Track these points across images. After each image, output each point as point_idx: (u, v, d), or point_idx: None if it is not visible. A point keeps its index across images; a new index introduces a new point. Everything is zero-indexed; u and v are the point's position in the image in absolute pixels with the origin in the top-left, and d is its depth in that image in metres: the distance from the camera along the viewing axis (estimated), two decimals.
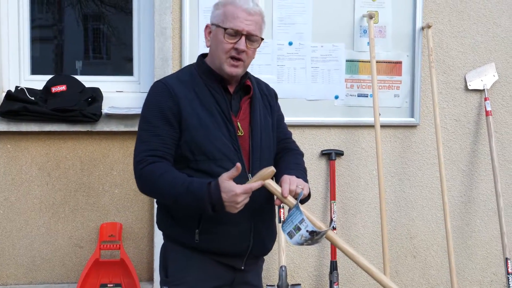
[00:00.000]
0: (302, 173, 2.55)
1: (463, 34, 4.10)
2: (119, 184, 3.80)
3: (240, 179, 2.39)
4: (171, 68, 3.73)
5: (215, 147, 2.39)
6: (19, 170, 3.74)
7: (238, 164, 2.22)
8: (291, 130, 3.85)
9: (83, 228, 3.81)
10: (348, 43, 3.98)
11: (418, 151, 4.10)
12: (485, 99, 4.09)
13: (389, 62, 4.03)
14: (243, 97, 2.55)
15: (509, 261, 3.95)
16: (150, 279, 3.82)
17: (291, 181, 2.37)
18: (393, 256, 4.11)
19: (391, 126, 4.05)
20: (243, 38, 2.41)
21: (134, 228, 3.83)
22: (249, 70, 3.75)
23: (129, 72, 4.05)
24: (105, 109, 3.73)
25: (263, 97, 2.64)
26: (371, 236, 4.07)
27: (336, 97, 3.99)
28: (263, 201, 2.45)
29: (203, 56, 2.60)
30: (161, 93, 2.44)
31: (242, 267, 2.51)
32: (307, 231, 2.26)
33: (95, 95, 3.79)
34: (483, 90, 4.11)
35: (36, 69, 7.65)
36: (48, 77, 3.82)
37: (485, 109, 4.08)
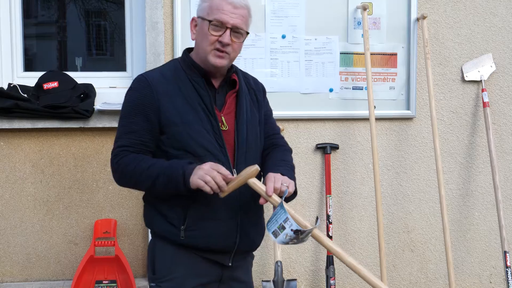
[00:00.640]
0: (289, 170, 2.53)
1: (459, 25, 4.06)
2: (113, 180, 3.77)
3: None
4: (163, 63, 3.70)
5: (197, 143, 2.38)
6: (12, 168, 3.74)
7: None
8: (285, 124, 3.90)
9: (78, 225, 3.81)
10: (342, 35, 3.96)
11: (415, 144, 4.07)
12: (483, 90, 4.05)
13: (384, 54, 4.00)
14: (228, 92, 2.53)
15: (507, 254, 3.92)
16: (145, 275, 3.80)
17: (275, 179, 2.35)
18: (391, 250, 4.08)
19: (387, 118, 4.02)
20: (228, 31, 2.40)
21: (129, 225, 3.82)
22: (242, 64, 3.82)
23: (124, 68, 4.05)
24: (98, 105, 3.72)
25: (250, 92, 2.62)
26: (367, 230, 4.05)
27: (331, 90, 3.97)
28: (249, 197, 2.43)
29: (188, 50, 2.59)
30: (141, 88, 2.44)
31: (230, 264, 2.50)
32: (291, 230, 2.25)
33: (88, 91, 3.78)
34: (480, 81, 4.07)
35: (37, 66, 7.68)
36: (41, 73, 3.80)
37: (483, 100, 4.05)
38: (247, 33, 2.50)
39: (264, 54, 3.89)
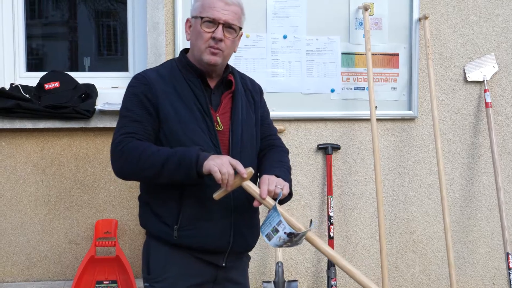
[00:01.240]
0: (284, 171, 2.52)
1: (461, 25, 4.03)
2: (114, 180, 3.78)
3: None
4: None
5: (191, 141, 2.38)
6: (14, 168, 3.74)
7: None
8: (286, 124, 3.89)
9: (79, 225, 3.80)
10: (343, 35, 3.94)
11: (417, 145, 4.05)
12: (485, 91, 4.02)
13: (385, 54, 3.98)
14: (224, 92, 2.53)
15: (510, 256, 3.88)
16: None
17: (270, 181, 2.35)
18: (393, 251, 4.06)
19: (388, 119, 4.00)
20: (220, 26, 2.42)
21: (130, 225, 3.81)
22: (244, 64, 3.81)
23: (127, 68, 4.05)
24: (99, 105, 3.72)
25: (247, 92, 2.62)
26: (369, 231, 4.03)
27: (332, 91, 3.95)
28: (244, 197, 2.42)
29: (185, 51, 2.59)
30: (140, 85, 2.45)
31: (223, 264, 2.49)
32: (285, 233, 2.25)
33: (89, 92, 3.78)
34: (483, 81, 4.04)
35: (47, 66, 7.68)
36: (43, 73, 3.81)
37: (485, 101, 4.02)
38: (240, 28, 2.50)
39: (265, 54, 3.88)
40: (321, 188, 3.98)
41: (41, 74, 3.79)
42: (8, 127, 3.65)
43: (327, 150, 3.94)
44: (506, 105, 4.11)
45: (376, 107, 3.87)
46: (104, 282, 3.70)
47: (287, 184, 2.41)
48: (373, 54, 3.89)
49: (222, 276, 2.53)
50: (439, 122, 3.95)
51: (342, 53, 3.95)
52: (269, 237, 2.28)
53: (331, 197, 3.91)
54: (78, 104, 3.66)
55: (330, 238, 3.88)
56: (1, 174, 3.73)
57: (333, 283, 3.85)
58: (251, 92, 2.63)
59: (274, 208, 2.28)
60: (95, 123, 3.69)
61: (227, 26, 2.43)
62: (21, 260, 3.78)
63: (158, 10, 3.73)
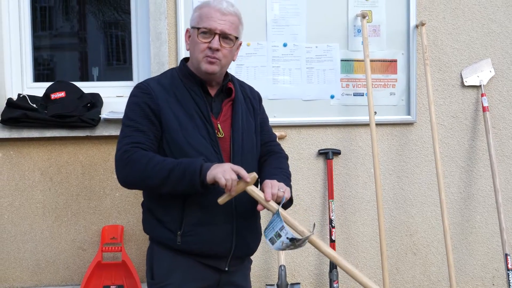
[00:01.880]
0: (284, 178, 2.50)
1: (457, 31, 4.00)
2: (120, 187, 3.66)
3: None
4: None
5: (194, 149, 2.37)
6: (22, 176, 3.73)
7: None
8: (287, 130, 3.87)
9: (86, 231, 3.79)
10: (342, 43, 3.92)
11: (416, 149, 4.02)
12: (482, 95, 3.99)
13: (384, 61, 3.95)
14: (224, 100, 2.52)
15: (509, 257, 3.85)
16: None
17: (272, 185, 2.34)
18: (393, 253, 4.03)
19: (388, 124, 3.97)
20: (217, 37, 2.41)
21: (135, 230, 3.79)
22: (245, 72, 3.80)
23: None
24: (104, 114, 3.71)
25: (246, 100, 2.60)
26: (370, 234, 4.00)
27: (332, 97, 3.93)
28: (245, 202, 2.41)
29: (186, 60, 2.58)
30: (142, 94, 2.44)
31: (226, 268, 2.48)
32: (287, 238, 2.24)
33: (94, 101, 3.77)
34: (480, 86, 4.01)
35: (59, 76, 7.69)
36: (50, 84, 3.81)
37: (482, 105, 3.99)
38: (236, 38, 2.48)
39: (266, 62, 3.86)
40: (322, 193, 3.95)
41: (48, 84, 3.79)
42: (16, 136, 3.64)
43: (327, 155, 3.92)
44: (503, 108, 4.08)
45: (375, 113, 3.84)
46: (111, 286, 3.68)
47: (288, 189, 2.40)
48: (371, 61, 3.87)
49: (225, 280, 2.52)
50: (437, 126, 3.93)
51: (341, 60, 3.92)
52: (272, 241, 2.27)
53: (332, 201, 3.88)
54: (84, 113, 3.66)
55: (332, 241, 3.85)
56: (9, 182, 3.72)
57: (335, 285, 3.83)
58: (250, 100, 2.62)
59: (277, 213, 2.28)
60: (101, 131, 3.68)
61: (224, 36, 2.42)
62: (30, 265, 3.77)
63: (161, 21, 3.72)
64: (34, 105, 3.67)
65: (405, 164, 4.02)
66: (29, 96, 3.74)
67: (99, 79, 7.51)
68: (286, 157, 2.70)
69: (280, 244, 2.25)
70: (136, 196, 3.75)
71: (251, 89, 2.70)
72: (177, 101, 2.42)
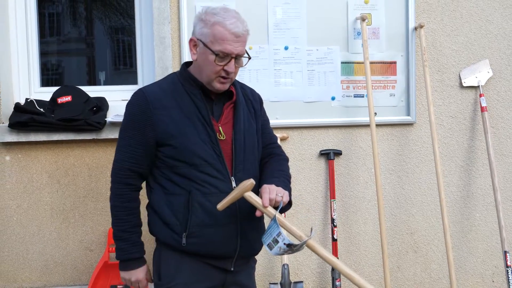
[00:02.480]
0: (284, 180, 2.48)
1: (456, 33, 3.97)
2: None
3: (223, 183, 2.34)
4: None
5: (194, 153, 2.34)
6: (30, 178, 3.71)
7: None
8: (290, 132, 3.84)
9: (93, 232, 3.77)
10: (342, 45, 3.88)
11: (416, 149, 3.98)
12: (480, 95, 3.95)
13: (383, 63, 3.91)
14: (226, 102, 2.48)
15: (508, 254, 3.81)
16: None
17: (270, 190, 2.31)
18: (395, 252, 3.99)
19: (388, 124, 3.94)
20: (233, 60, 2.35)
21: (142, 231, 3.75)
22: (247, 75, 3.77)
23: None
24: (109, 117, 3.69)
25: (247, 102, 2.57)
26: (372, 232, 3.96)
27: (333, 98, 3.89)
28: (249, 205, 2.36)
29: (186, 64, 2.54)
30: (138, 104, 2.42)
31: (232, 269, 2.45)
32: (284, 243, 2.23)
33: (100, 104, 3.75)
34: (478, 86, 3.97)
35: (67, 81, 7.67)
36: (56, 88, 3.78)
37: (480, 105, 3.95)
38: (247, 53, 2.44)
39: (268, 65, 3.83)
40: (324, 192, 3.91)
41: (54, 89, 3.77)
42: (24, 140, 3.62)
43: (329, 155, 3.88)
44: (501, 108, 4.04)
45: (376, 113, 3.81)
46: (118, 286, 3.65)
47: (286, 193, 2.37)
48: (371, 63, 3.84)
49: (230, 280, 2.50)
50: (436, 127, 3.90)
51: (341, 62, 3.89)
52: (270, 247, 2.26)
53: (334, 200, 3.85)
54: (90, 116, 3.63)
55: (334, 240, 3.82)
56: (18, 185, 3.70)
57: (337, 283, 3.79)
58: (251, 102, 2.58)
59: (274, 220, 2.26)
60: (106, 134, 3.65)
61: (238, 57, 2.38)
62: (39, 266, 3.75)
63: (164, 25, 3.69)
64: (41, 109, 3.65)
65: (405, 163, 3.98)
66: (36, 100, 3.72)
67: (106, 83, 7.49)
68: (287, 159, 2.68)
69: (277, 249, 2.24)
70: (142, 198, 3.68)
71: (252, 91, 2.66)
72: (178, 106, 2.39)
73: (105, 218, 3.76)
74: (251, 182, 2.27)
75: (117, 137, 3.54)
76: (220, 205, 2.29)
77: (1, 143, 3.65)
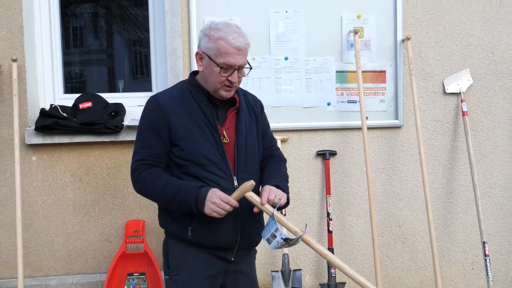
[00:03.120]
0: (282, 181, 2.44)
1: (439, 44, 3.87)
2: None
3: (226, 182, 2.28)
4: None
5: (201, 154, 2.28)
6: (54, 177, 3.62)
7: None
8: (289, 134, 3.76)
9: (111, 225, 3.68)
10: (337, 56, 3.78)
11: (403, 149, 3.88)
12: (462, 101, 3.86)
13: (374, 72, 3.82)
14: (229, 108, 2.41)
15: (486, 244, 3.73)
16: None
17: (270, 191, 2.28)
18: (384, 242, 3.90)
19: (378, 128, 3.84)
20: (235, 71, 2.30)
21: (156, 224, 3.67)
22: (251, 83, 3.68)
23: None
24: (126, 121, 3.60)
25: (249, 108, 2.50)
26: (363, 225, 3.86)
27: (328, 104, 3.79)
28: (250, 201, 2.30)
29: (194, 73, 2.46)
30: (153, 110, 2.36)
31: (232, 259, 2.40)
32: (281, 238, 2.21)
33: (118, 110, 3.66)
34: (460, 93, 3.88)
35: (90, 88, 7.61)
36: (78, 95, 3.69)
37: (462, 110, 3.85)
38: (249, 64, 2.38)
39: (269, 73, 3.73)
40: (321, 189, 3.82)
41: (76, 95, 3.68)
42: (49, 142, 3.54)
43: (325, 155, 3.79)
44: (481, 113, 3.94)
45: (367, 118, 3.73)
46: (134, 274, 3.58)
47: (285, 195, 2.33)
48: (363, 72, 3.75)
49: (232, 268, 2.44)
50: (422, 129, 3.82)
51: (336, 71, 3.79)
52: (269, 241, 2.24)
53: (329, 196, 3.76)
54: (108, 120, 3.55)
55: (329, 232, 3.73)
56: (43, 183, 3.61)
57: (332, 271, 3.71)
58: (253, 108, 2.52)
59: (272, 216, 2.23)
60: (123, 137, 3.57)
61: (240, 68, 2.32)
62: (62, 256, 3.66)
63: (176, 38, 3.60)
64: (65, 114, 3.56)
65: (394, 163, 3.88)
66: (60, 106, 3.63)
67: (125, 90, 7.41)
68: (285, 161, 2.62)
69: (275, 243, 2.22)
70: None
71: (253, 97, 2.59)
72: (186, 111, 2.34)
73: (122, 212, 3.67)
74: (251, 183, 2.22)
75: (133, 139, 3.46)
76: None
77: (28, 145, 3.56)
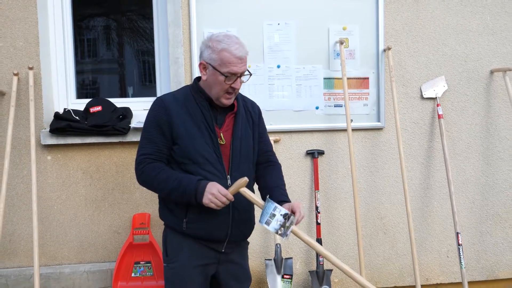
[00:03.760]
0: (284, 187, 2.44)
1: (417, 54, 3.80)
2: None
3: (220, 180, 2.22)
4: None
5: (198, 153, 2.21)
6: (67, 175, 3.53)
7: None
8: (281, 135, 3.68)
9: (120, 218, 3.60)
10: (324, 64, 3.70)
11: (385, 149, 3.81)
12: (437, 105, 3.79)
13: (358, 78, 3.74)
14: (228, 113, 2.34)
15: (459, 234, 3.66)
16: None
17: (300, 210, 2.27)
18: (367, 233, 3.82)
19: (362, 129, 3.77)
20: (238, 79, 2.24)
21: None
22: (247, 89, 3.59)
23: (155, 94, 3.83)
24: (133, 123, 3.52)
25: (247, 113, 2.43)
26: (348, 217, 3.79)
27: (317, 108, 3.72)
28: (241, 197, 2.25)
29: (198, 79, 2.39)
30: (158, 109, 2.29)
31: (223, 250, 2.33)
32: (281, 215, 2.16)
33: (125, 113, 3.57)
34: (436, 98, 3.81)
35: (103, 94, 7.55)
36: (89, 100, 3.60)
37: (438, 113, 3.78)
38: (248, 71, 2.31)
39: (263, 80, 3.66)
40: (310, 185, 3.74)
41: (87, 100, 3.59)
42: (62, 143, 3.45)
43: (313, 154, 3.72)
44: (455, 116, 3.87)
45: (352, 120, 3.66)
46: (141, 262, 3.50)
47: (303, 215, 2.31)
48: (348, 78, 3.67)
49: (224, 258, 2.38)
50: (401, 131, 3.76)
51: (324, 78, 3.71)
52: (268, 223, 2.17)
53: (318, 191, 3.69)
54: (117, 123, 3.47)
55: (318, 224, 3.66)
56: (57, 180, 3.53)
57: (320, 259, 3.64)
58: (250, 113, 2.45)
59: (268, 200, 2.18)
60: (130, 138, 3.49)
61: (242, 75, 2.27)
62: (75, 246, 3.58)
63: (178, 48, 3.52)
64: (77, 117, 3.48)
65: (376, 161, 3.81)
66: (72, 110, 3.54)
67: (134, 96, 7.32)
68: (280, 166, 2.57)
69: (275, 223, 2.16)
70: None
71: (252, 104, 2.52)
72: (188, 113, 2.26)
73: (130, 206, 3.59)
74: (245, 179, 2.16)
75: (139, 140, 3.42)
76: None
77: (44, 145, 3.48)
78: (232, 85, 2.23)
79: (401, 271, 3.88)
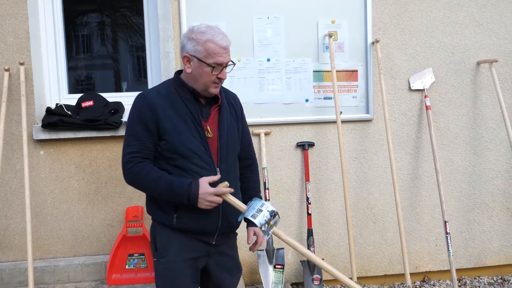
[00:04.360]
0: (259, 191, 2.45)
1: (405, 46, 3.74)
2: None
3: (210, 173, 2.15)
4: None
5: (186, 147, 2.13)
6: (60, 169, 3.46)
7: (218, 176, 2.14)
8: (272, 128, 3.62)
9: (113, 211, 3.53)
10: (314, 57, 3.64)
11: (374, 140, 3.76)
12: (425, 97, 3.74)
13: (347, 71, 3.68)
14: (213, 105, 2.27)
15: (447, 223, 3.62)
16: None
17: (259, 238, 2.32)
18: (358, 223, 3.78)
19: (351, 121, 3.71)
20: (224, 69, 2.16)
21: None
22: (236, 82, 3.52)
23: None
24: (125, 118, 3.45)
25: (230, 106, 2.35)
26: (339, 208, 3.75)
27: (307, 100, 3.66)
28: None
29: (178, 72, 2.31)
30: (142, 105, 2.18)
31: (213, 243, 2.26)
32: (267, 211, 2.11)
33: (117, 107, 3.50)
34: (423, 89, 3.76)
35: (98, 89, 7.43)
36: (81, 95, 3.52)
37: (425, 104, 3.73)
38: (232, 61, 2.23)
39: (253, 74, 3.59)
40: (300, 176, 3.69)
41: (79, 95, 3.52)
42: (55, 137, 3.38)
43: (304, 146, 3.66)
44: (442, 107, 3.82)
45: (341, 112, 3.60)
46: (134, 254, 3.44)
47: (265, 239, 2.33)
48: (337, 71, 3.61)
49: (214, 251, 2.30)
50: (390, 122, 3.70)
51: (313, 71, 3.65)
52: (254, 217, 2.11)
53: (308, 183, 3.63)
54: (109, 117, 3.40)
55: (309, 214, 3.61)
56: (51, 174, 3.46)
57: (312, 249, 3.59)
58: (233, 106, 2.37)
59: (255, 199, 2.17)
60: (122, 132, 3.40)
61: (227, 64, 2.19)
62: (69, 240, 3.51)
63: (168, 42, 3.44)
64: (69, 112, 3.40)
65: (365, 152, 3.76)
66: (64, 105, 3.46)
67: (128, 90, 7.22)
68: (257, 165, 2.51)
69: (262, 217, 2.11)
70: None
71: (234, 97, 2.44)
72: (172, 107, 2.17)
73: (123, 199, 3.52)
74: (229, 189, 2.13)
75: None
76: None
77: (36, 140, 3.40)
78: (219, 76, 2.16)
79: (391, 259, 3.85)
